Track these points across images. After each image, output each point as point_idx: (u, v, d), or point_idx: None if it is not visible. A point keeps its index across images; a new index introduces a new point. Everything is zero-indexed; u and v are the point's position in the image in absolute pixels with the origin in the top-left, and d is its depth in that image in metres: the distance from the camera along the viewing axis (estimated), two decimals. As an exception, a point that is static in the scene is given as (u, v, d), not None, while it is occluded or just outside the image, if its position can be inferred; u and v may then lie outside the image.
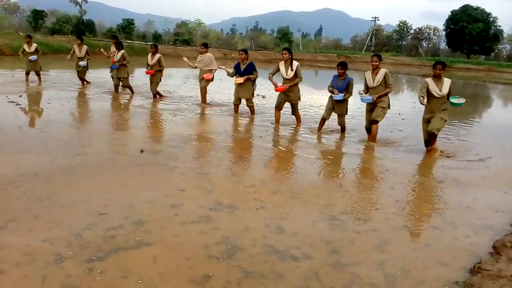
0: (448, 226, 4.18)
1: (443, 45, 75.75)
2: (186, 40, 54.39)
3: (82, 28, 51.37)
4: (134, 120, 8.52)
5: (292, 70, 8.31)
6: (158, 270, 3.04)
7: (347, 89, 7.63)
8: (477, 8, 63.58)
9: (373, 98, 7.11)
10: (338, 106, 7.76)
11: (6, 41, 26.17)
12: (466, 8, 63.45)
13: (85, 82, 12.97)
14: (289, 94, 8.45)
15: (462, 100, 6.64)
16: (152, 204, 4.22)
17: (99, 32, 53.80)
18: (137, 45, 36.86)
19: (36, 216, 3.79)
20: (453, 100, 6.65)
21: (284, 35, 69.30)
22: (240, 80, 8.94)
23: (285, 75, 8.39)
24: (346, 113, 7.93)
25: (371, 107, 7.33)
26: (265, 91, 13.05)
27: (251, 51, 49.22)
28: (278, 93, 8.59)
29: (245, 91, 9.15)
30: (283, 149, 6.92)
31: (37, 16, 51.02)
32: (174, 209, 4.13)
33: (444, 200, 4.92)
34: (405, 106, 12.77)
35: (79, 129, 7.50)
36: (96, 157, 5.79)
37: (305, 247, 3.53)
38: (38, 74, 12.76)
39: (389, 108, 7.40)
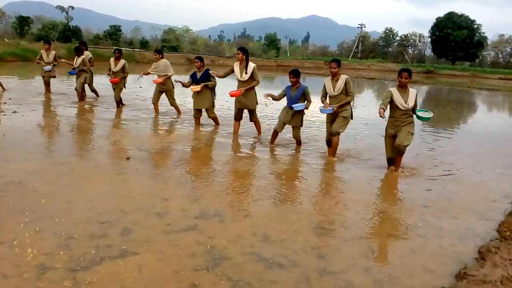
0: (435, 234, 4.20)
1: (428, 51, 76.82)
2: (173, 46, 54.31)
3: (69, 35, 51.04)
4: (115, 129, 8.48)
5: (246, 73, 7.72)
6: (144, 281, 3.00)
7: (303, 98, 7.13)
8: (461, 15, 64.62)
9: (333, 108, 6.47)
10: (294, 118, 7.17)
11: (-10, 48, 25.84)
12: (451, 15, 64.46)
13: (49, 90, 12.33)
14: (243, 100, 7.86)
15: (430, 114, 6.01)
16: (138, 213, 4.18)
17: (85, 39, 53.42)
18: (124, 52, 36.68)
19: (21, 226, 3.73)
20: (420, 113, 5.97)
21: (271, 42, 69.59)
22: (197, 88, 8.26)
23: (239, 77, 7.80)
24: (302, 125, 7.36)
25: (332, 117, 6.71)
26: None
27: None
28: (235, 100, 8.02)
29: (203, 99, 8.48)
30: (262, 159, 6.89)
31: (23, 22, 50.46)
32: (160, 218, 4.09)
33: (430, 209, 4.94)
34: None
35: (62, 137, 7.41)
36: (80, 165, 5.76)
37: (292, 254, 3.52)
38: None
39: (351, 118, 6.80)
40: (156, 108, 10.10)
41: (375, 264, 3.49)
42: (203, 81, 8.37)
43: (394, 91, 6.02)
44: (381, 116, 5.71)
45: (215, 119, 8.90)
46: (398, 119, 6.04)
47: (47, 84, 12.23)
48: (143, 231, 3.79)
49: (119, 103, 10.67)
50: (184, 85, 8.63)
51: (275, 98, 7.33)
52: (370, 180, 5.88)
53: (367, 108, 14.24)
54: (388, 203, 5.07)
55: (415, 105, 6.02)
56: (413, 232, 4.19)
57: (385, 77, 37.12)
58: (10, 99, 10.90)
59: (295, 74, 7.08)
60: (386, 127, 6.28)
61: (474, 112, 17.82)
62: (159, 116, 9.78)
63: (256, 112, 8.17)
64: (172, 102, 10.01)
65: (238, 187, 5.27)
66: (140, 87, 15.31)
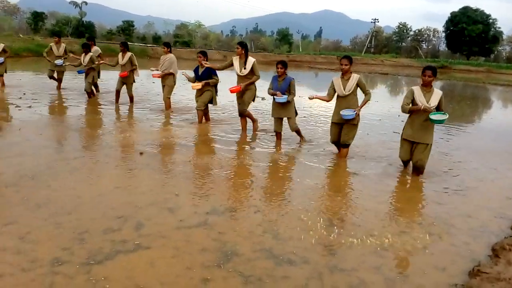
0: (447, 232, 4.17)
1: (442, 46, 75.93)
2: (185, 41, 54.43)
3: (82, 30, 51.44)
4: (126, 124, 8.56)
5: (245, 68, 7.58)
6: (157, 277, 3.03)
7: (289, 90, 7.00)
8: (476, 10, 63.66)
9: (356, 112, 6.16)
10: (284, 110, 7.08)
11: (6, 43, 26.05)
12: (465, 10, 63.53)
13: (60, 85, 12.33)
14: (242, 95, 7.76)
15: (444, 117, 5.45)
16: (151, 208, 4.21)
17: (99, 34, 53.83)
18: (137, 47, 36.89)
19: (36, 221, 3.79)
20: (433, 116, 5.46)
21: (283, 37, 69.37)
22: (198, 86, 8.15)
23: (238, 72, 7.68)
24: (296, 115, 7.27)
25: (340, 120, 6.34)
26: (265, 93, 12.91)
27: (251, 52, 49.29)
28: (236, 96, 7.91)
29: (202, 97, 8.37)
30: (271, 155, 6.84)
31: (37, 17, 51.01)
32: (172, 213, 4.12)
33: (443, 206, 4.89)
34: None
35: (74, 133, 7.48)
36: (92, 160, 5.82)
37: (302, 251, 3.52)
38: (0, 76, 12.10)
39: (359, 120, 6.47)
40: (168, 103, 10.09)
41: (387, 262, 3.47)
42: (205, 78, 8.26)
43: (416, 89, 5.70)
44: (404, 111, 5.67)
45: (199, 113, 8.59)
46: (416, 120, 5.67)
47: (59, 81, 12.27)
48: (155, 226, 3.82)
49: (132, 98, 10.67)
50: (189, 79, 8.58)
51: (274, 93, 7.07)
52: (382, 177, 5.83)
53: (380, 103, 14.13)
54: (400, 201, 5.04)
55: (440, 108, 5.62)
56: (425, 230, 4.15)
57: (399, 73, 36.75)
58: (24, 94, 11.04)
59: (283, 64, 7.00)
60: (404, 126, 5.96)
61: (489, 108, 17.57)
62: (171, 112, 9.77)
63: (249, 108, 7.96)
64: (166, 98, 9.82)
65: (248, 184, 5.28)
66: (153, 82, 15.36)
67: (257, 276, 3.10)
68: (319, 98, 6.52)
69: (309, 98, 6.62)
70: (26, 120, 8.00)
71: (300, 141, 7.50)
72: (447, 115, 5.52)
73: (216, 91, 8.58)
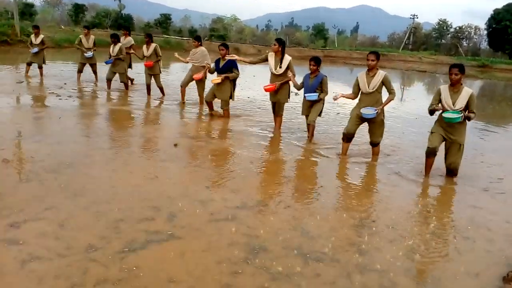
0: (483, 237, 4.05)
1: (484, 44, 73.41)
2: (221, 35, 54.69)
3: (121, 22, 52.49)
4: (157, 116, 8.72)
5: (281, 67, 7.31)
6: (186, 268, 3.08)
7: (320, 88, 6.83)
8: (522, 7, 61.08)
9: (377, 111, 5.93)
10: (314, 107, 6.93)
11: (48, 34, 26.92)
12: (509, 7, 60.99)
13: (97, 77, 12.48)
14: (276, 93, 7.53)
15: (455, 115, 5.14)
16: (182, 200, 4.28)
17: (136, 27, 54.84)
18: (173, 40, 37.42)
19: (74, 208, 3.92)
20: (446, 114, 5.23)
21: (319, 32, 68.74)
22: (218, 80, 8.00)
23: (273, 70, 7.40)
24: (320, 115, 7.07)
25: (360, 115, 6.11)
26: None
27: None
28: (270, 94, 7.71)
29: (222, 91, 8.21)
30: (302, 153, 6.83)
31: (78, 10, 52.52)
32: (203, 206, 4.17)
33: (480, 210, 4.75)
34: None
35: (110, 123, 7.69)
36: (126, 151, 5.96)
37: (331, 250, 3.50)
38: (39, 67, 12.47)
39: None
40: (183, 93, 10.06)
41: (418, 265, 3.41)
42: (225, 71, 8.10)
43: (444, 89, 5.40)
44: (434, 110, 5.41)
45: (225, 112, 8.53)
46: (444, 122, 5.38)
47: (95, 73, 12.44)
48: (187, 218, 3.88)
49: (163, 89, 10.77)
50: (210, 70, 8.56)
51: (296, 87, 7.09)
52: (415, 177, 5.71)
53: (417, 102, 13.83)
54: (433, 202, 4.93)
55: (469, 108, 5.26)
56: (460, 234, 4.05)
57: (437, 70, 35.80)
58: (65, 83, 11.40)
59: (316, 61, 6.79)
60: (434, 125, 5.66)
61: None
62: (203, 106, 9.78)
63: (284, 108, 7.81)
64: (201, 93, 9.83)
65: (277, 179, 5.28)
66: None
67: (285, 273, 3.11)
68: (344, 97, 6.35)
69: (333, 99, 6.37)
70: (65, 109, 8.26)
71: (307, 139, 7.20)
72: (461, 114, 5.17)
73: (235, 85, 8.40)
